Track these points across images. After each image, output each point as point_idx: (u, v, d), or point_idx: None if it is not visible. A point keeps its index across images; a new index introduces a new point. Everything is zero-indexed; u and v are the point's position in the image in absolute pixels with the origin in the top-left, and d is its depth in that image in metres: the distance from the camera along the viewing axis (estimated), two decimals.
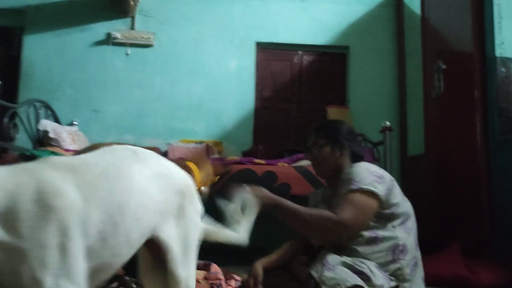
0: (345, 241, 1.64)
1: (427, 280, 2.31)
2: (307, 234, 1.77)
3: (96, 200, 0.90)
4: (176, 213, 1.14)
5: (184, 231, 1.15)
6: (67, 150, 3.24)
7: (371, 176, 1.68)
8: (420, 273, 1.70)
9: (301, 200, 2.39)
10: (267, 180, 2.83)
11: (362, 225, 1.63)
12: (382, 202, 1.65)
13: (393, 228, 1.66)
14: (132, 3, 3.98)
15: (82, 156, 1.05)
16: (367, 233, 1.64)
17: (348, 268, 1.52)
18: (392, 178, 1.75)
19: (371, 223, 1.65)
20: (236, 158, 3.26)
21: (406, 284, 1.61)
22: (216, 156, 3.58)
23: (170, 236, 1.11)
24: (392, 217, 1.67)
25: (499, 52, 3.00)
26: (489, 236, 2.79)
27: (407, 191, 4.03)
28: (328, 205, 1.83)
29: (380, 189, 1.65)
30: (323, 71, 4.34)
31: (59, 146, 3.41)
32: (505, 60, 3.05)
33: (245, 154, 3.64)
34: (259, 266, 1.84)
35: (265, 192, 1.66)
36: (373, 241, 1.64)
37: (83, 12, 4.20)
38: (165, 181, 1.12)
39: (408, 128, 4.12)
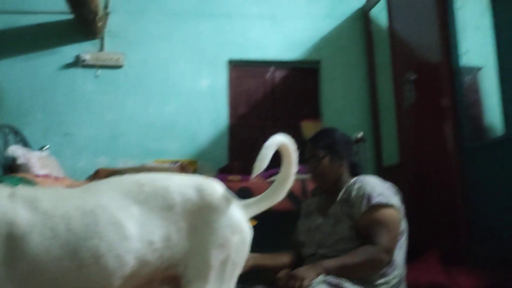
0: (389, 262, 1.61)
1: None
2: (363, 276, 1.62)
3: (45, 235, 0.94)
4: (191, 236, 1.09)
5: (202, 254, 1.09)
6: (36, 176, 3.15)
7: (385, 189, 1.67)
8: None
9: (279, 215, 2.37)
10: (242, 197, 2.78)
11: (396, 243, 1.62)
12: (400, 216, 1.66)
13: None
14: (100, 24, 3.95)
15: (62, 191, 1.09)
16: None
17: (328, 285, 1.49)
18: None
19: None
20: (210, 176, 3.21)
21: None
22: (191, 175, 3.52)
23: (183, 264, 1.08)
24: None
25: (465, 61, 3.08)
26: (466, 241, 2.80)
27: None
28: (323, 214, 1.81)
29: (396, 202, 1.66)
30: (295, 86, 4.37)
31: (29, 172, 3.32)
32: (471, 69, 3.13)
33: (221, 171, 3.61)
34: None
35: (304, 271, 1.54)
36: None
37: (52, 35, 4.15)
38: (169, 212, 1.08)
39: (382, 139, 4.15)
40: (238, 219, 1.16)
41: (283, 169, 1.28)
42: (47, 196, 1.00)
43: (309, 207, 1.96)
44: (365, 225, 1.63)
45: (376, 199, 1.62)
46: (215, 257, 1.09)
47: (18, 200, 0.96)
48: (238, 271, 1.15)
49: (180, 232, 1.08)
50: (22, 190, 1.01)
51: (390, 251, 1.58)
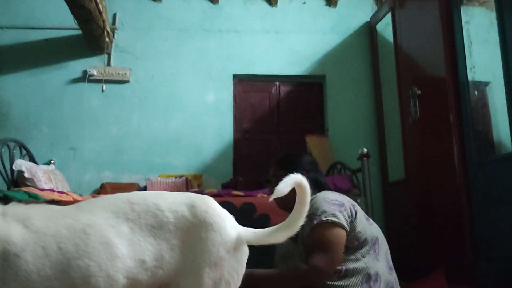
0: (323, 283, 1.60)
1: None
2: None
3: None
4: (184, 254, 1.07)
5: (195, 273, 1.06)
6: (42, 190, 3.16)
7: (330, 206, 1.65)
8: None
9: None
10: (246, 212, 2.77)
11: (336, 262, 1.59)
12: (346, 232, 1.62)
13: (363, 258, 1.63)
14: (107, 39, 4.00)
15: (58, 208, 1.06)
16: (337, 268, 1.60)
17: None
18: (353, 203, 1.73)
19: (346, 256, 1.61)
20: (214, 190, 3.21)
21: None
22: (196, 189, 3.52)
23: (176, 283, 1.06)
24: (359, 246, 1.64)
25: (470, 76, 3.06)
26: (472, 259, 2.75)
27: (389, 217, 4.05)
28: (294, 240, 1.76)
29: (341, 218, 1.63)
30: (301, 101, 4.37)
31: (35, 186, 3.32)
32: (477, 84, 3.11)
33: (225, 186, 3.59)
34: None
35: None
36: (345, 275, 1.60)
37: (59, 51, 4.20)
38: (161, 230, 1.06)
39: (387, 154, 4.12)
40: (233, 237, 1.13)
41: (295, 209, 1.23)
42: (39, 214, 1.00)
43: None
44: (307, 245, 1.64)
45: (317, 219, 1.61)
46: (208, 276, 1.06)
47: (10, 218, 0.96)
48: None
49: (173, 251, 1.06)
50: (14, 207, 1.00)
51: (323, 270, 1.55)
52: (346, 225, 1.62)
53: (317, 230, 1.61)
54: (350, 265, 1.61)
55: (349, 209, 1.67)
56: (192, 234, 1.08)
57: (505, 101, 2.67)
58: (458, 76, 3.07)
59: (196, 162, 4.07)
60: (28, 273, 0.91)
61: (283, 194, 1.19)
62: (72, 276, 0.94)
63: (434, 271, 2.70)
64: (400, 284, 2.47)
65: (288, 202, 1.81)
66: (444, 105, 3.09)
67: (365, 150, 3.12)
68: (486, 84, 3.22)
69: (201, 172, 4.02)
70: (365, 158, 3.09)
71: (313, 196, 1.72)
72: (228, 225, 1.14)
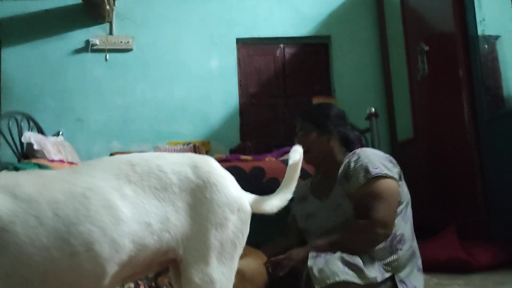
0: (387, 237, 1.54)
1: (426, 266, 2.29)
2: (358, 253, 1.53)
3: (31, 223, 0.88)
4: (189, 216, 1.04)
5: (201, 234, 1.03)
6: (52, 161, 3.18)
7: (382, 160, 1.60)
8: (416, 262, 1.63)
9: None
10: (255, 177, 2.78)
11: (395, 216, 1.55)
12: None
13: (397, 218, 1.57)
14: (108, 7, 3.92)
15: (50, 173, 1.01)
16: None
17: (340, 260, 1.45)
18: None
19: None
20: (223, 156, 3.22)
21: (401, 274, 1.55)
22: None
23: (183, 246, 1.03)
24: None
25: (480, 29, 2.97)
26: (484, 216, 2.76)
27: None
28: (320, 197, 1.74)
29: (394, 173, 1.58)
30: (306, 63, 4.31)
31: (44, 158, 3.35)
32: (487, 37, 3.02)
33: (233, 151, 3.60)
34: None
35: (295, 253, 1.54)
36: None
37: (60, 21, 4.13)
38: (165, 193, 1.03)
39: (396, 114, 4.09)
40: (237, 197, 1.10)
41: (285, 181, 1.23)
42: (30, 180, 0.93)
43: (302, 190, 1.86)
44: (361, 198, 1.56)
45: (374, 171, 1.54)
46: (215, 238, 1.04)
47: None
48: (239, 251, 1.10)
49: (178, 213, 1.02)
50: (2, 176, 0.94)
51: (387, 224, 1.50)
52: (398, 180, 1.59)
53: (374, 182, 1.53)
54: None
55: (397, 166, 1.64)
56: (197, 195, 1.05)
57: None
58: (467, 30, 2.99)
59: (203, 128, 4.07)
60: (20, 246, 0.85)
61: (295, 163, 1.19)
62: (73, 243, 0.89)
63: (446, 228, 2.71)
64: None
65: (315, 155, 1.76)
66: (453, 60, 3.03)
67: (373, 109, 3.09)
68: (496, 37, 3.14)
69: (208, 139, 4.02)
70: (373, 118, 3.06)
71: (353, 152, 1.67)
72: (231, 185, 1.11)
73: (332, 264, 1.42)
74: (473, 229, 2.73)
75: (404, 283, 1.53)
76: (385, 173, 1.55)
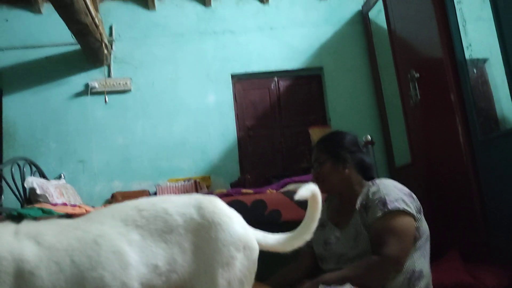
0: (397, 273, 1.51)
1: None
2: None
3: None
4: (196, 256, 1.07)
5: (209, 274, 1.06)
6: (54, 205, 3.20)
7: (401, 194, 1.56)
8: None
9: (293, 225, 2.36)
10: (257, 210, 2.79)
11: (408, 253, 1.52)
12: (415, 224, 1.54)
13: (414, 253, 1.55)
14: (106, 51, 4.04)
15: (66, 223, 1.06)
16: None
17: None
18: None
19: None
20: (224, 190, 3.24)
21: None
22: (205, 191, 3.55)
23: (191, 286, 1.07)
24: (415, 240, 1.56)
25: (468, 54, 3.05)
26: (485, 237, 2.75)
27: None
28: (339, 225, 1.72)
29: (412, 208, 1.54)
30: (301, 94, 4.39)
31: (47, 202, 3.37)
32: (475, 61, 3.10)
33: (233, 185, 3.62)
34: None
35: (307, 286, 1.53)
36: (418, 275, 1.53)
37: (60, 67, 4.26)
38: (172, 234, 1.07)
39: (392, 140, 4.13)
40: (242, 235, 1.13)
41: (307, 217, 1.24)
42: (50, 229, 1.01)
43: (321, 216, 1.86)
44: (377, 231, 1.52)
45: (392, 205, 1.51)
46: (222, 277, 1.06)
47: (22, 236, 0.97)
48: None
49: (185, 253, 1.06)
50: (26, 225, 1.02)
51: (398, 261, 1.47)
52: (416, 216, 1.55)
53: (390, 217, 1.50)
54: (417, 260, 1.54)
55: (417, 201, 1.61)
56: (202, 236, 1.09)
57: (504, 76, 2.66)
58: (455, 55, 3.07)
59: (203, 163, 4.11)
60: None
61: (304, 199, 1.21)
62: (87, 287, 0.95)
63: (449, 251, 2.70)
64: None
65: (332, 185, 1.73)
66: (444, 85, 3.08)
67: (369, 137, 3.12)
68: (484, 61, 3.21)
69: (208, 173, 4.06)
70: (369, 145, 3.09)
71: (373, 181, 1.66)
72: (236, 224, 1.14)
73: None
74: (475, 251, 2.72)
75: None
76: (403, 208, 1.52)
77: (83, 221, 1.07)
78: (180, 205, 1.12)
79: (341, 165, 1.71)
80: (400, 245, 1.47)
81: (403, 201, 1.54)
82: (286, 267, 1.89)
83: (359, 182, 1.71)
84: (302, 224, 1.23)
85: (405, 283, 1.52)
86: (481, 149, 2.87)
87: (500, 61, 2.70)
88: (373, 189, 1.61)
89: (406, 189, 1.63)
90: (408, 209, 1.53)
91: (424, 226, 1.61)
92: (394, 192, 1.56)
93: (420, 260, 1.55)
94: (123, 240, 1.02)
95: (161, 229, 1.07)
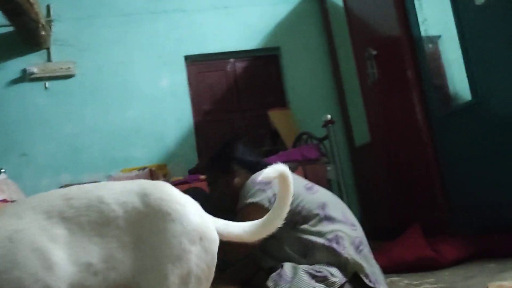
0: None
1: (394, 268, 2.28)
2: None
3: None
4: (141, 251, 0.92)
5: (157, 270, 0.91)
6: None
7: (255, 186, 1.65)
8: (366, 249, 1.62)
9: None
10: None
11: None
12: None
13: (314, 228, 1.59)
14: (44, 33, 3.73)
15: None
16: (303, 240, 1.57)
17: (307, 274, 1.46)
18: None
19: (297, 233, 1.58)
20: (181, 178, 3.10)
21: (365, 269, 1.53)
22: (162, 180, 3.39)
23: (135, 284, 0.91)
24: (305, 220, 1.60)
25: (423, 30, 3.05)
26: (445, 211, 2.80)
27: (360, 181, 4.08)
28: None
29: (263, 197, 1.61)
30: (258, 76, 4.29)
31: None
32: (430, 38, 3.11)
33: (191, 172, 3.48)
34: None
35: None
36: (307, 248, 1.57)
37: None
38: (108, 227, 0.92)
39: (351, 119, 4.12)
40: (198, 225, 0.97)
41: (277, 204, 1.07)
42: None
43: None
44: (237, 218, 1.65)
45: (241, 202, 1.66)
46: (172, 273, 0.91)
47: None
48: (205, 285, 0.98)
49: (125, 249, 0.91)
50: None
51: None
52: (267, 204, 1.60)
53: (240, 212, 1.66)
54: (312, 238, 1.57)
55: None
56: (148, 227, 0.93)
57: (456, 53, 2.68)
58: (411, 32, 3.06)
59: (159, 151, 3.94)
60: None
61: (270, 180, 1.07)
62: None
63: (410, 227, 2.72)
64: (379, 244, 2.46)
65: (232, 197, 1.76)
66: (401, 62, 3.08)
67: (329, 116, 3.08)
68: (438, 37, 3.24)
69: (165, 161, 3.89)
70: (329, 125, 3.05)
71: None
72: (190, 212, 0.98)
73: (298, 281, 1.44)
74: (436, 225, 2.76)
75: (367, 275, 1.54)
76: (249, 203, 1.63)
77: None
78: (119, 192, 0.95)
79: (230, 175, 1.81)
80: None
81: (252, 194, 1.65)
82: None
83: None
84: (272, 210, 1.08)
85: (330, 252, 1.55)
86: (439, 125, 2.89)
87: (452, 38, 2.72)
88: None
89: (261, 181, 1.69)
90: (254, 200, 1.63)
91: (310, 202, 1.64)
92: (247, 188, 1.68)
93: (328, 228, 1.58)
94: (45, 236, 0.86)
95: (94, 221, 0.91)
